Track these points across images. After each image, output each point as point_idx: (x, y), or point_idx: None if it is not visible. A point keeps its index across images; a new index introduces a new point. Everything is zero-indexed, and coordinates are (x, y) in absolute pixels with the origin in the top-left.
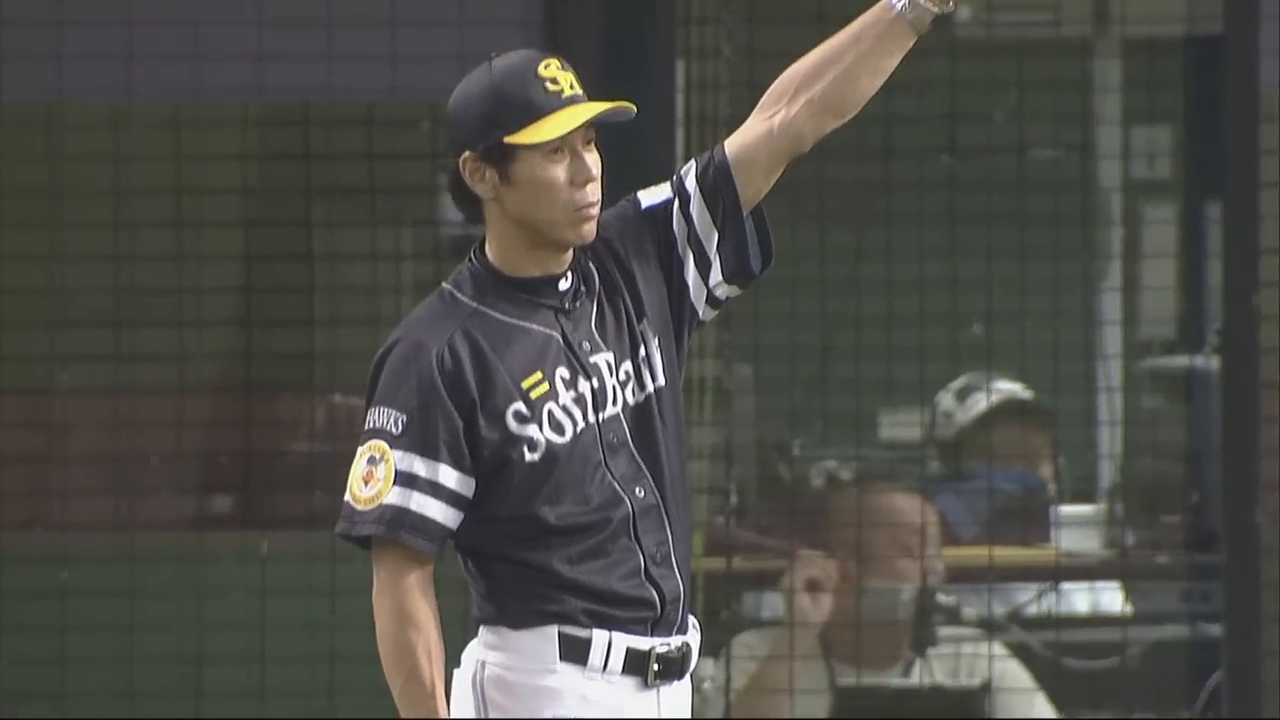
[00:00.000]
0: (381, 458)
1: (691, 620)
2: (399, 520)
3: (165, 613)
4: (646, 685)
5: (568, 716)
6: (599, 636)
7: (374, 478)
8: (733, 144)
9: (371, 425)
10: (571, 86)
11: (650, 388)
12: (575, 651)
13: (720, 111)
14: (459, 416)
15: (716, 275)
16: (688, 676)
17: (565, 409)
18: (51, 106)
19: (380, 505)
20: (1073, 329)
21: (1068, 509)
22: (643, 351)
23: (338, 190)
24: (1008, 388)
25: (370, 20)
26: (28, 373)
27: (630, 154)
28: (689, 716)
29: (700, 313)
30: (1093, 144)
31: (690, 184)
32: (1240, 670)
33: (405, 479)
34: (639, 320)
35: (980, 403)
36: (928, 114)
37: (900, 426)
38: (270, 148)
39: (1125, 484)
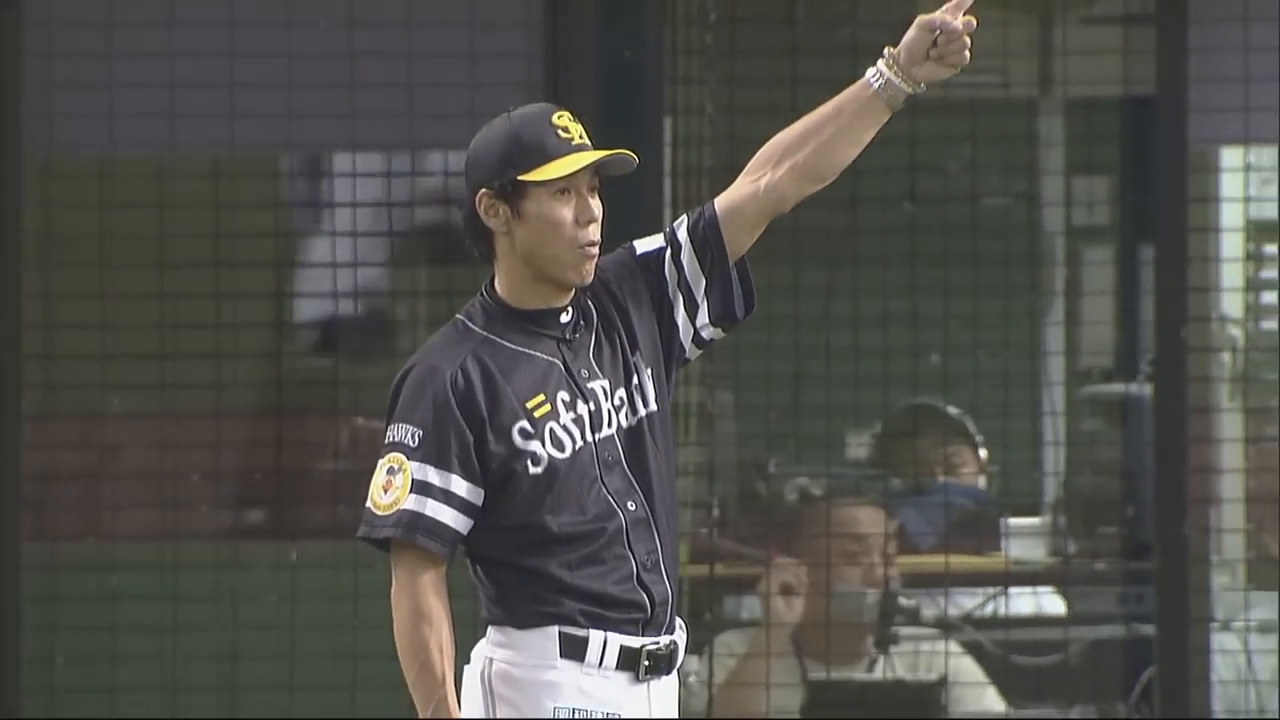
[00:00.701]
0: (400, 468)
1: (679, 622)
2: (415, 524)
3: (204, 615)
4: (638, 680)
5: (566, 706)
6: (595, 636)
7: (392, 486)
8: (722, 201)
9: (391, 440)
10: (581, 136)
11: (642, 412)
12: (574, 649)
13: (704, 163)
14: (470, 432)
15: (703, 318)
16: (675, 672)
17: (565, 428)
18: (102, 160)
19: (398, 510)
20: (1020, 359)
21: (1015, 521)
22: (635, 380)
23: (359, 234)
24: (924, 401)
25: (389, 81)
26: (82, 399)
27: (623, 201)
28: (674, 708)
29: (687, 350)
30: (1038, 193)
31: (682, 235)
32: (1171, 666)
33: (421, 487)
34: (632, 353)
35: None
36: (890, 165)
37: (865, 447)
38: (298, 196)
39: (1067, 498)
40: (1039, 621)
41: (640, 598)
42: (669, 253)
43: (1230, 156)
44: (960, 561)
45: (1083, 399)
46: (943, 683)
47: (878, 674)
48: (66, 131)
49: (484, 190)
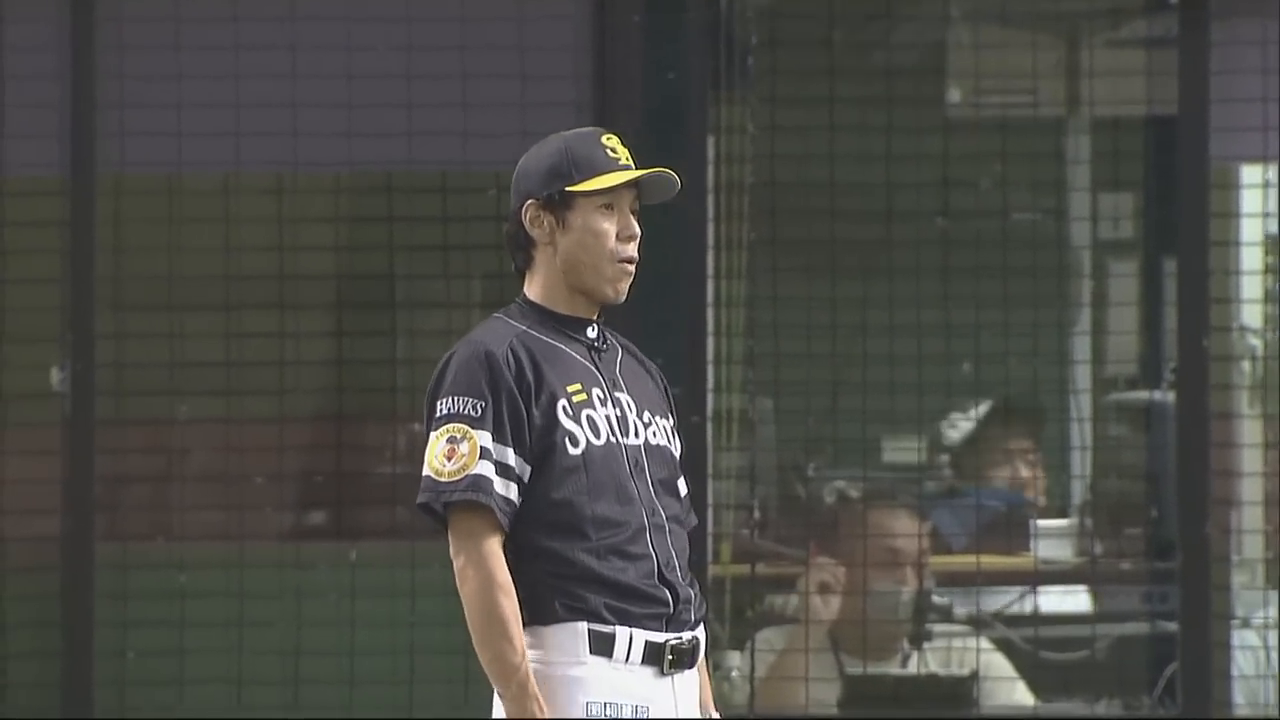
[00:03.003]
0: (464, 436)
1: (701, 625)
2: (487, 489)
3: (268, 611)
4: (662, 674)
5: (599, 701)
6: (621, 632)
7: (457, 454)
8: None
9: (448, 411)
10: (627, 158)
11: (670, 448)
12: (602, 645)
13: (745, 180)
14: (524, 406)
15: None
16: (697, 667)
17: (604, 418)
18: (171, 177)
19: (468, 475)
20: (1049, 367)
21: (1045, 522)
22: (664, 422)
23: (416, 248)
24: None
25: (444, 102)
26: (151, 406)
27: (669, 215)
28: (695, 700)
29: None
30: (1065, 208)
31: (681, 485)
32: (1193, 661)
33: (486, 454)
34: (664, 412)
35: (969, 422)
36: (924, 182)
37: (900, 451)
38: (358, 211)
39: (1094, 501)
40: (1067, 619)
41: (663, 593)
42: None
43: (1250, 173)
44: (991, 561)
45: (1108, 405)
46: (974, 677)
47: (912, 669)
48: (136, 150)
49: (531, 200)
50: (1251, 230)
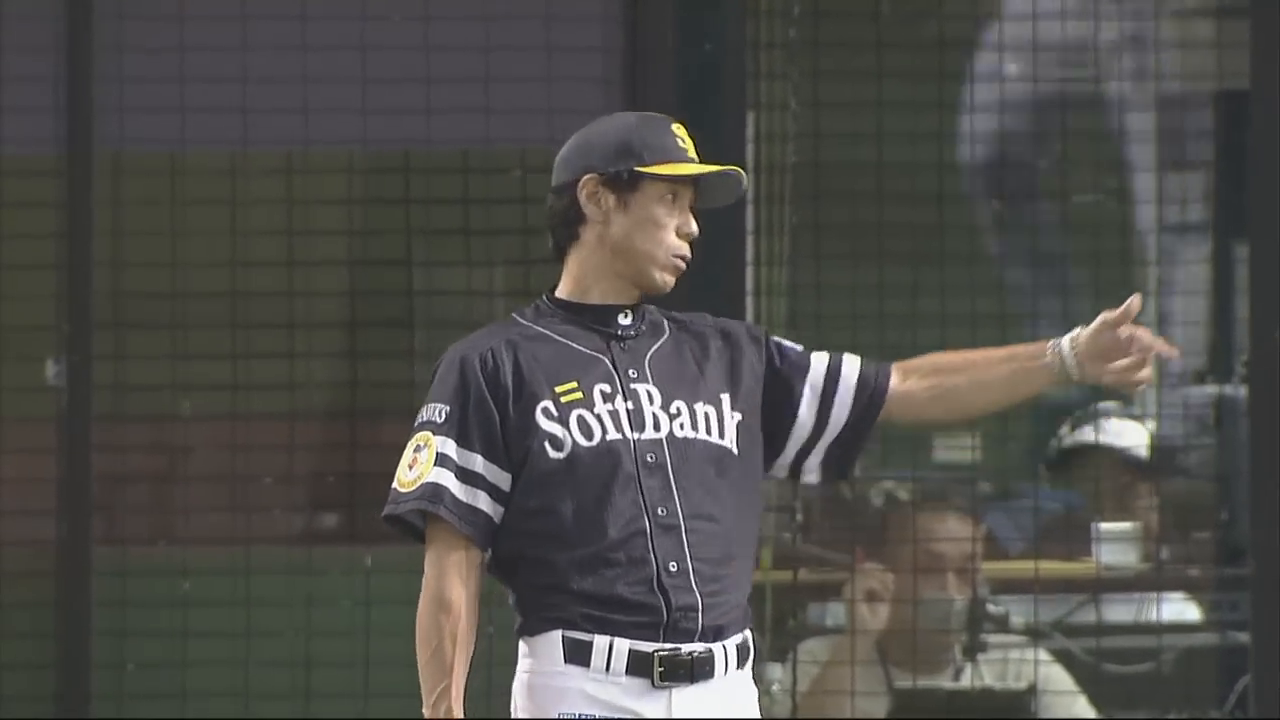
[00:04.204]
0: (425, 445)
1: (736, 634)
2: (438, 497)
3: (277, 620)
4: (654, 685)
5: (572, 712)
6: (600, 641)
7: (418, 462)
8: (900, 374)
9: (419, 420)
10: (693, 152)
11: (711, 439)
12: (579, 654)
13: (788, 159)
14: (495, 410)
15: (815, 457)
16: (715, 682)
17: (598, 417)
18: (174, 155)
19: (422, 484)
20: None
21: (1107, 525)
22: (709, 409)
23: (435, 232)
24: (1113, 439)
25: (465, 76)
26: (153, 401)
27: None
28: (707, 717)
29: (780, 457)
30: (1130, 189)
31: (849, 366)
32: (1266, 674)
33: (444, 460)
34: (723, 391)
35: (1086, 434)
36: (978, 162)
37: (953, 450)
38: (373, 193)
39: (1160, 503)
40: (1131, 628)
41: (656, 601)
42: (814, 365)
43: None
44: (1050, 567)
45: (1176, 401)
46: (1032, 691)
47: (965, 682)
48: (137, 127)
49: (592, 175)
50: None
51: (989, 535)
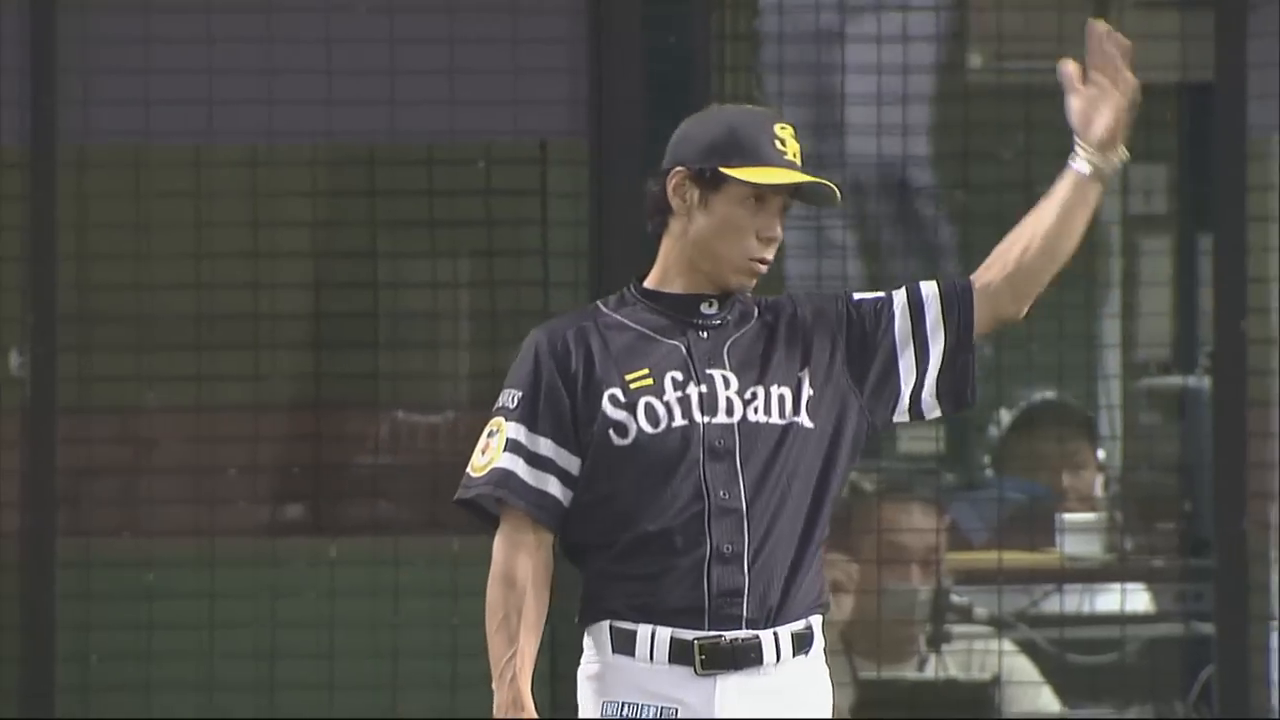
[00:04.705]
0: (497, 430)
1: (795, 620)
2: (506, 482)
3: (242, 612)
4: (697, 674)
5: (616, 701)
6: (643, 630)
7: (489, 447)
8: (977, 279)
9: (496, 405)
10: (795, 155)
11: (783, 421)
12: (625, 644)
13: None
14: (565, 395)
15: (930, 390)
16: (766, 670)
17: (667, 405)
18: (139, 148)
19: (491, 469)
20: (1076, 351)
21: (1071, 516)
22: (784, 390)
23: (400, 224)
24: (1044, 395)
25: (430, 68)
26: (117, 392)
27: None
28: (762, 706)
29: (899, 403)
30: None
31: (929, 290)
32: (1230, 665)
33: (514, 446)
34: (800, 367)
35: (1018, 411)
36: (943, 153)
37: (917, 441)
38: (338, 185)
39: (1124, 494)
40: (1095, 619)
41: (699, 588)
42: (904, 299)
43: None
44: (1014, 558)
45: (1140, 392)
46: (996, 682)
47: (929, 673)
48: (101, 119)
49: (681, 168)
50: None
51: (953, 526)
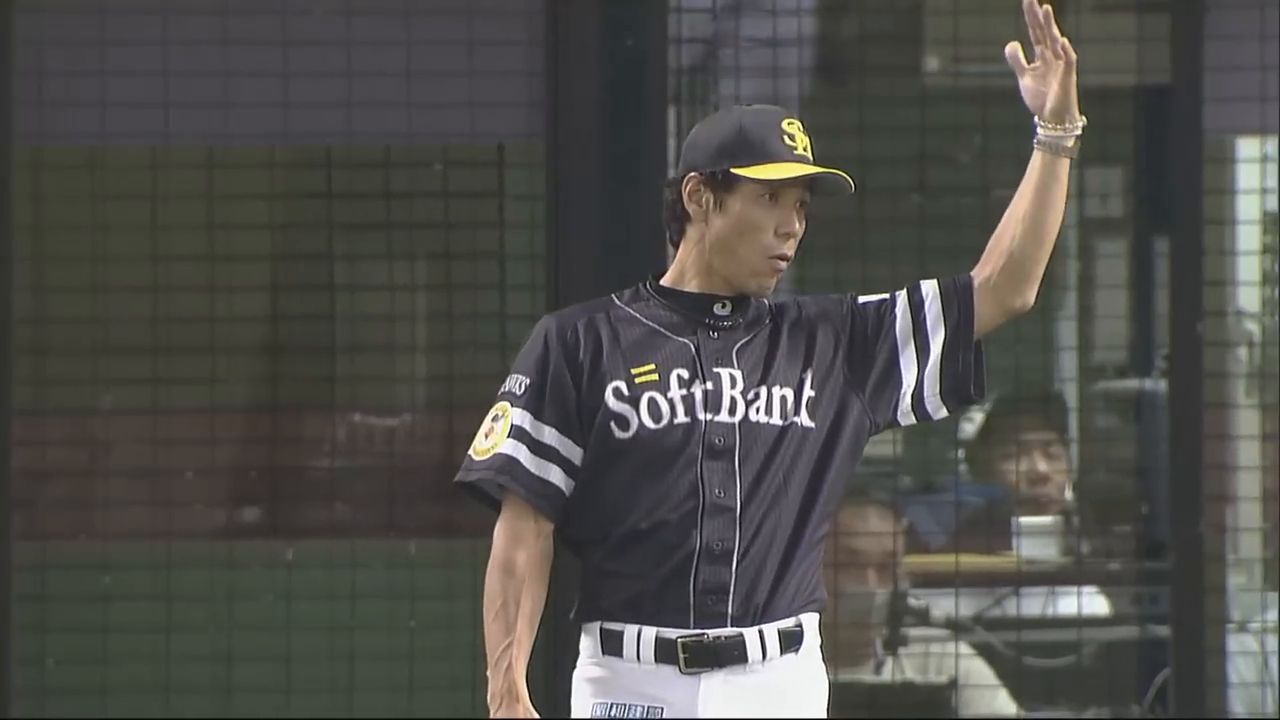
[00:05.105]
0: (502, 415)
1: (785, 618)
2: (508, 468)
3: (198, 615)
4: (681, 672)
5: (605, 701)
6: (630, 630)
7: (494, 431)
8: (976, 274)
9: (502, 389)
10: (805, 149)
11: (783, 421)
12: (613, 645)
13: None
14: (571, 384)
15: (932, 386)
16: (752, 668)
17: (670, 401)
18: (94, 150)
19: (494, 454)
20: (1032, 354)
21: (1027, 519)
22: (786, 391)
23: (357, 226)
24: (1001, 398)
25: (387, 70)
26: (73, 395)
27: (630, 192)
28: (747, 705)
29: (899, 408)
30: None
31: (928, 287)
32: (1186, 668)
33: (519, 433)
34: (803, 369)
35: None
36: (899, 156)
37: (873, 445)
38: (295, 187)
39: (1081, 497)
40: (1051, 622)
41: (684, 585)
42: (904, 300)
43: (1247, 147)
44: (970, 561)
45: (1096, 395)
46: (953, 685)
47: (886, 676)
48: (57, 121)
49: (694, 174)
50: (1248, 207)
51: (910, 529)
